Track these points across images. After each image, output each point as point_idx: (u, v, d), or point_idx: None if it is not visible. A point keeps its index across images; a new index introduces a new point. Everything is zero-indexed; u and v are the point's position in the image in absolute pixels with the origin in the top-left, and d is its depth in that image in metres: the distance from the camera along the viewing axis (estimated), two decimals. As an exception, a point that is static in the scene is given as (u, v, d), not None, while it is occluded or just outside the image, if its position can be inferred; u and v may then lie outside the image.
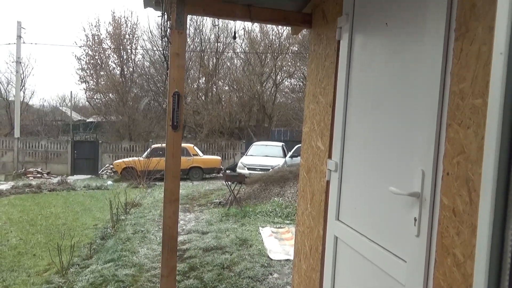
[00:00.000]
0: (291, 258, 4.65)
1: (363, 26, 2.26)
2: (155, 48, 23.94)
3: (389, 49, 1.98)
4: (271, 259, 5.00)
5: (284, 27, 20.19)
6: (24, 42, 22.64)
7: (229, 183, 8.93)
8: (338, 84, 2.51)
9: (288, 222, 7.16)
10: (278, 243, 5.74)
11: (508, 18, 0.98)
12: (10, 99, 25.41)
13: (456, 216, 1.42)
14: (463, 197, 1.39)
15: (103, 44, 25.03)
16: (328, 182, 2.58)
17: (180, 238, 5.90)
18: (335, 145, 2.51)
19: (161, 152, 14.13)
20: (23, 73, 24.68)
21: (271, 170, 12.17)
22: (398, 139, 1.82)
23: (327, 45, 2.74)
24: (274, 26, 23.11)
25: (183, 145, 16.02)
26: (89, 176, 18.44)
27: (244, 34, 24.42)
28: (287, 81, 26.25)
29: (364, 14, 2.24)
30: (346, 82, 2.38)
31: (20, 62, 23.16)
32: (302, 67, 22.99)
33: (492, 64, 1.06)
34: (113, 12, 35.70)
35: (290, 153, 15.69)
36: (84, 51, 25.02)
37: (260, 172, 12.44)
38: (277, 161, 14.39)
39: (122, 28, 24.53)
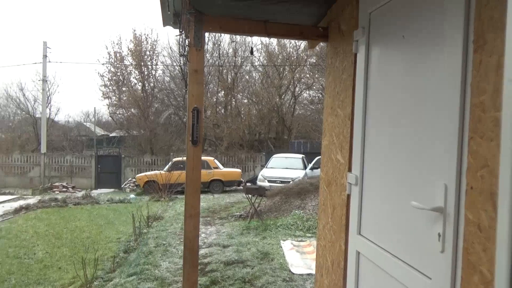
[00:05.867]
0: (313, 272, 4.59)
1: (379, 39, 2.26)
2: (175, 64, 24.43)
3: (406, 62, 1.96)
4: (293, 273, 4.94)
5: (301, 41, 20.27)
6: (49, 61, 23.56)
7: (250, 195, 8.92)
8: (356, 97, 2.50)
9: (309, 235, 7.08)
10: (299, 256, 5.68)
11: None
12: (36, 116, 26.33)
13: (482, 232, 1.38)
14: (488, 212, 1.35)
15: (125, 60, 25.75)
16: (348, 196, 2.55)
17: (201, 252, 5.92)
18: (354, 158, 2.49)
19: (182, 166, 14.29)
20: (49, 90, 25.60)
21: (291, 182, 12.11)
22: (418, 152, 1.80)
23: (344, 58, 2.74)
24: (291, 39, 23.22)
25: (203, 158, 16.15)
26: (112, 189, 18.77)
27: (261, 48, 24.69)
28: (306, 93, 26.29)
29: (381, 27, 2.24)
30: (364, 94, 2.37)
31: (46, 80, 24.04)
32: (320, 78, 22.98)
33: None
34: (134, 30, 36.76)
35: (310, 165, 15.58)
36: (107, 68, 25.82)
37: (280, 185, 12.38)
38: (298, 173, 14.31)
39: (143, 45, 25.18)
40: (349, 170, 2.56)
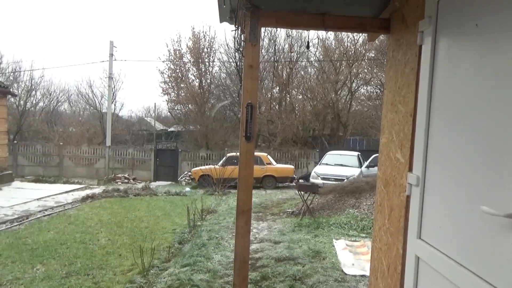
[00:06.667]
0: (367, 274, 4.43)
1: (448, 28, 2.09)
2: (231, 60, 24.77)
3: (479, 53, 1.79)
4: (346, 274, 4.81)
5: (360, 34, 19.66)
6: (115, 59, 24.92)
7: (302, 192, 8.83)
8: (419, 91, 2.34)
9: (363, 235, 6.85)
10: (352, 257, 5.51)
11: None
12: (103, 111, 28.13)
13: None
14: None
15: (184, 58, 26.55)
16: (408, 197, 2.40)
17: (252, 247, 5.95)
18: (416, 157, 2.34)
19: (235, 161, 14.49)
20: (114, 87, 27.18)
21: (345, 180, 11.81)
22: (491, 152, 1.63)
23: (407, 50, 2.58)
24: (349, 33, 22.62)
25: (256, 154, 16.26)
26: (169, 182, 19.54)
27: (318, 42, 24.26)
28: (363, 89, 25.46)
29: (449, 16, 2.07)
30: (429, 89, 2.21)
31: (112, 78, 25.51)
32: (379, 73, 22.12)
33: None
34: (193, 28, 37.65)
35: (366, 163, 15.09)
36: (167, 65, 26.76)
37: (334, 182, 12.13)
38: (352, 171, 13.92)
39: (201, 43, 25.78)
40: (410, 170, 2.41)
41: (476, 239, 1.70)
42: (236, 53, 3.03)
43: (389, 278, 2.65)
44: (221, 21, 3.41)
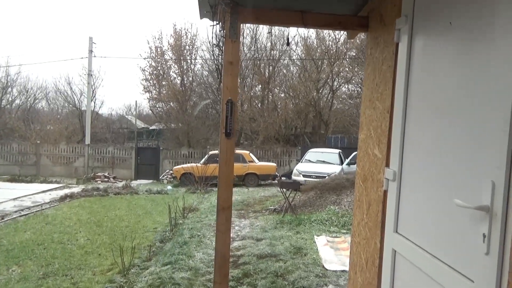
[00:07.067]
0: (347, 269, 4.49)
1: (424, 27, 2.13)
2: (213, 58, 24.56)
3: (454, 51, 1.83)
4: (326, 269, 4.86)
5: (341, 32, 19.87)
6: (95, 56, 24.45)
7: (284, 190, 8.87)
8: (396, 88, 2.38)
9: (344, 231, 6.94)
10: (333, 253, 5.58)
11: None
12: (82, 108, 27.55)
13: (533, 234, 1.27)
14: (542, 213, 1.23)
15: (165, 55, 26.25)
16: (385, 192, 2.45)
17: (234, 244, 5.95)
18: (393, 153, 2.38)
19: (217, 159, 14.38)
20: (94, 84, 26.64)
21: (327, 177, 11.92)
22: (464, 147, 1.68)
23: (384, 48, 2.62)
24: (330, 32, 22.82)
25: (239, 151, 16.27)
26: (150, 181, 19.33)
27: (299, 41, 24.38)
28: (345, 87, 25.74)
29: (425, 14, 2.11)
30: (405, 86, 2.25)
31: (91, 75, 25.03)
32: (360, 72, 22.39)
33: None
34: (175, 25, 37.42)
35: (347, 160, 15.28)
36: (148, 62, 26.42)
37: (315, 180, 12.23)
38: (334, 168, 14.07)
39: (183, 40, 25.54)
40: (387, 165, 2.45)
41: (449, 231, 1.75)
42: (213, 50, 3.02)
43: (367, 272, 2.69)
44: (201, 17, 3.39)
